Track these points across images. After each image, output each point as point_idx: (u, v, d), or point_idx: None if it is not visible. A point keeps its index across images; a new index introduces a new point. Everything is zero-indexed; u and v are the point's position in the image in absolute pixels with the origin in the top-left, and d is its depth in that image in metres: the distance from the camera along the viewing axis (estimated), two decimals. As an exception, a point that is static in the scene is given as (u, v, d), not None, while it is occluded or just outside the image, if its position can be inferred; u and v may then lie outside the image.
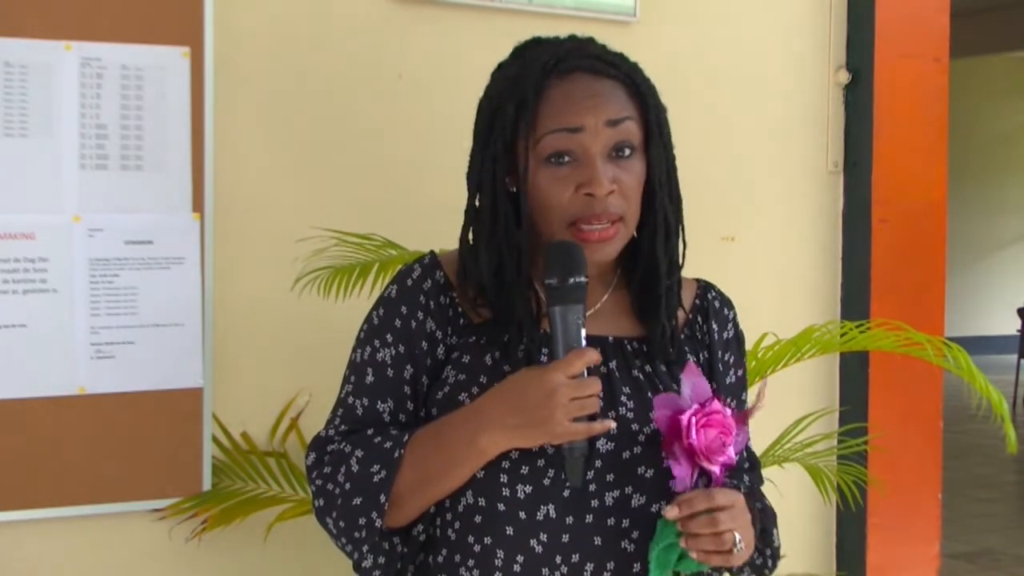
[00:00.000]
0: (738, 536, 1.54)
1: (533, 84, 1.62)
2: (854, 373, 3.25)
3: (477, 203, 1.67)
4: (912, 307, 3.21)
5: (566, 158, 1.60)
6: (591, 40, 1.70)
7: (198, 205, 2.37)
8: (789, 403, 2.97)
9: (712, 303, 1.79)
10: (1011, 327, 11.51)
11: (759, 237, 3.16)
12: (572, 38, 1.70)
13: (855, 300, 3.25)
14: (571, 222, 1.60)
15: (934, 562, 3.37)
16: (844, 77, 3.24)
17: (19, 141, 2.25)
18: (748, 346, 2.46)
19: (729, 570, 1.70)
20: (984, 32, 10.76)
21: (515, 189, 1.64)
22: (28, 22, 2.24)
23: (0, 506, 2.27)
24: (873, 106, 3.22)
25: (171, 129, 2.35)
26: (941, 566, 3.39)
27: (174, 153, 2.35)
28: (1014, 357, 10.86)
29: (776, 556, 1.74)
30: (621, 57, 1.68)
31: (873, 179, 3.23)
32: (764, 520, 1.69)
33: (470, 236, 1.68)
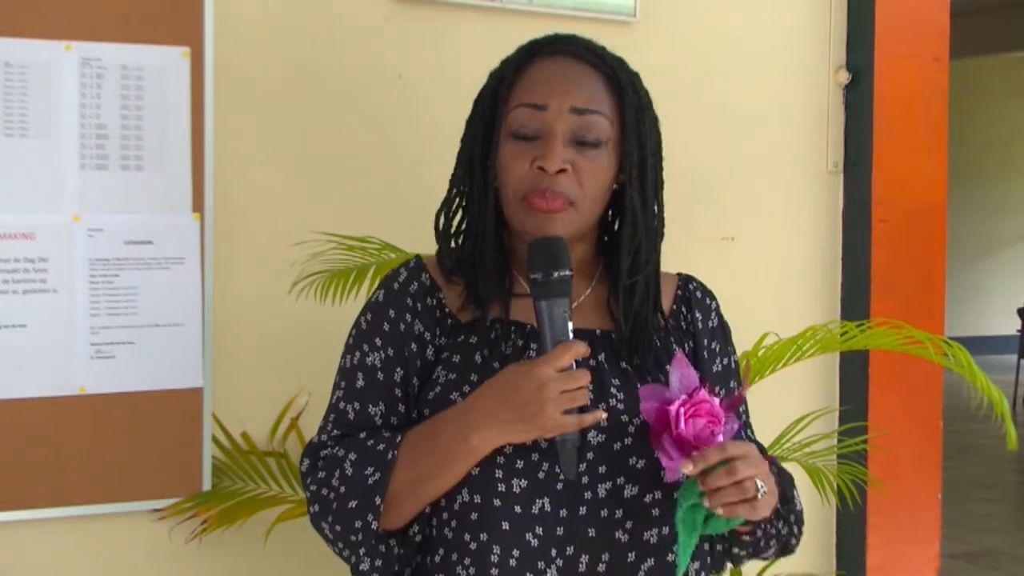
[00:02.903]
0: (760, 482, 1.53)
1: (516, 62, 1.68)
2: (854, 372, 3.25)
3: (459, 172, 1.72)
4: (912, 307, 3.20)
5: (531, 135, 1.63)
6: (597, 43, 1.72)
7: (198, 205, 2.37)
8: (789, 403, 2.96)
9: (694, 293, 1.80)
10: (1011, 327, 11.51)
11: (759, 237, 3.15)
12: (578, 36, 1.72)
13: (855, 300, 3.25)
14: (522, 195, 1.63)
15: (934, 562, 3.37)
16: (844, 77, 3.24)
17: (19, 141, 2.25)
18: (748, 346, 2.48)
19: (756, 546, 1.69)
20: (984, 32, 10.76)
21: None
22: (28, 22, 2.24)
23: (0, 506, 2.27)
24: (873, 106, 3.22)
25: (171, 129, 2.35)
26: (941, 566, 3.39)
27: (174, 153, 2.35)
28: (1014, 357, 10.86)
29: (800, 521, 1.74)
30: (614, 56, 1.70)
31: (873, 179, 3.23)
32: (783, 484, 1.69)
33: (449, 206, 1.72)
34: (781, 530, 1.70)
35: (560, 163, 1.61)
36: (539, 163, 1.62)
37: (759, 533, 1.69)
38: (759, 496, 1.53)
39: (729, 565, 1.79)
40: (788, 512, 1.71)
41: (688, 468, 1.51)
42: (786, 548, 1.75)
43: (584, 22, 2.73)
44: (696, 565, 1.67)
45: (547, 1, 2.76)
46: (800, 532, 1.75)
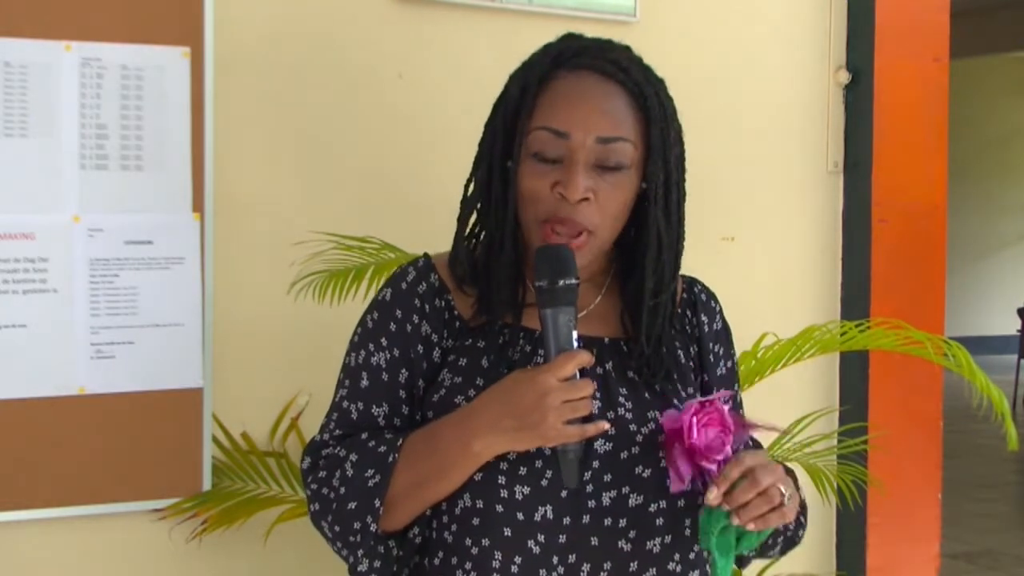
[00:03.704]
0: (782, 487, 1.53)
1: (539, 72, 1.63)
2: (854, 373, 3.25)
3: (475, 180, 1.68)
4: (912, 307, 3.20)
5: (552, 158, 1.60)
6: (622, 47, 1.68)
7: (198, 205, 2.37)
8: (789, 403, 2.97)
9: (699, 296, 1.79)
10: (1011, 327, 11.51)
11: (759, 237, 3.16)
12: (602, 39, 1.69)
13: (855, 300, 3.25)
14: (543, 219, 1.60)
15: (934, 562, 3.36)
16: (844, 77, 3.24)
17: (19, 141, 2.25)
18: (747, 346, 2.49)
19: (765, 543, 1.69)
20: (984, 32, 10.76)
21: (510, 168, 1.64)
22: (28, 22, 2.24)
23: (0, 506, 2.27)
24: (873, 106, 3.22)
25: (171, 129, 2.35)
26: (941, 566, 3.39)
27: (174, 153, 2.35)
28: (1014, 357, 10.86)
29: (806, 514, 1.75)
30: (639, 67, 1.66)
31: (873, 179, 3.23)
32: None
33: (465, 213, 1.69)
34: (789, 526, 1.70)
35: (582, 192, 1.58)
36: (560, 190, 1.59)
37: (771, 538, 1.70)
38: (785, 502, 1.53)
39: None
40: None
41: (713, 494, 1.51)
42: (792, 543, 1.76)
43: (584, 22, 2.73)
44: (697, 573, 1.66)
45: (547, 1, 2.76)
46: (806, 523, 1.75)
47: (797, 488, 1.73)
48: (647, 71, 1.66)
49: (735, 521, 1.52)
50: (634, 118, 1.62)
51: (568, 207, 1.58)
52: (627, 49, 1.68)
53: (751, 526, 1.52)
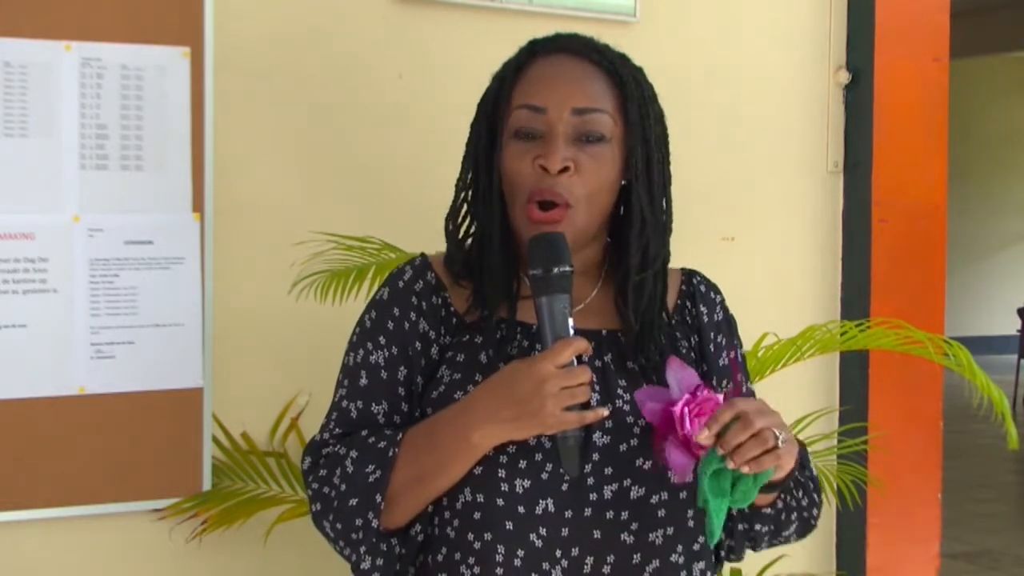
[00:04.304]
0: (776, 431, 1.50)
1: (516, 62, 1.68)
2: (854, 373, 3.25)
3: (464, 175, 1.71)
4: (912, 307, 3.20)
5: (533, 135, 1.63)
6: (591, 38, 1.71)
7: (198, 205, 2.37)
8: (789, 403, 2.95)
9: (698, 287, 1.80)
10: (1011, 327, 11.52)
11: (759, 237, 3.16)
12: (577, 33, 1.73)
13: (855, 300, 3.25)
14: (527, 198, 1.62)
15: (934, 562, 3.36)
16: (844, 77, 3.24)
17: (19, 141, 2.25)
18: (748, 346, 2.47)
19: (777, 521, 1.67)
20: (984, 32, 10.76)
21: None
22: (28, 22, 2.24)
23: (0, 506, 2.27)
24: (873, 106, 3.22)
25: (171, 129, 2.35)
26: (941, 566, 3.39)
27: (174, 153, 2.35)
28: (1014, 357, 10.86)
29: (818, 488, 1.72)
30: (616, 52, 1.70)
31: (873, 179, 3.23)
32: (800, 451, 1.66)
33: (455, 210, 1.72)
34: (801, 500, 1.69)
35: (561, 162, 1.60)
36: (540, 162, 1.61)
37: (780, 504, 1.67)
38: (779, 444, 1.50)
39: (732, 557, 1.78)
40: (806, 479, 1.70)
41: (704, 435, 1.49)
42: (807, 524, 1.73)
43: (584, 22, 2.73)
44: (702, 565, 1.66)
45: (547, 1, 2.76)
46: (820, 501, 1.73)
47: (808, 463, 1.72)
48: (624, 57, 1.70)
49: (730, 465, 1.49)
50: (611, 94, 1.65)
51: (550, 179, 1.61)
52: (594, 39, 1.72)
53: (745, 469, 1.49)
